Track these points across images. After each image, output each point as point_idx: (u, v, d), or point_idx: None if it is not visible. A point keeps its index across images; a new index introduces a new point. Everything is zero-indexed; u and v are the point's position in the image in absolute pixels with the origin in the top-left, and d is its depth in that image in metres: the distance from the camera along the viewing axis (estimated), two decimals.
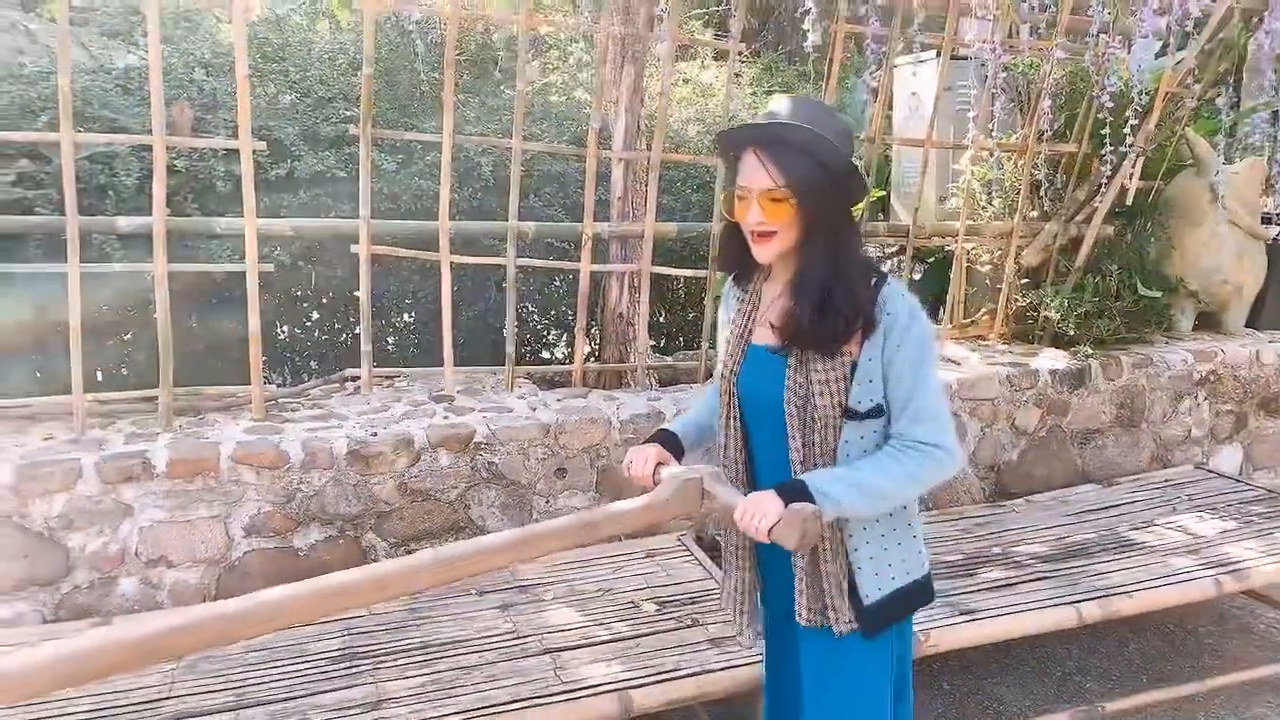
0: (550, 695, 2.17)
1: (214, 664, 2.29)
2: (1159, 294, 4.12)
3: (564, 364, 3.97)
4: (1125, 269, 4.12)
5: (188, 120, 3.40)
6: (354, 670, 2.27)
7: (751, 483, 1.73)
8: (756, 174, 1.57)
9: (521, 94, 3.19)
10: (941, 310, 4.32)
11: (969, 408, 3.63)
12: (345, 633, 2.44)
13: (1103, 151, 3.74)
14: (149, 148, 2.84)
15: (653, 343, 4.28)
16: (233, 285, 3.11)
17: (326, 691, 2.18)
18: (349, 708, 2.11)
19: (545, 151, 3.79)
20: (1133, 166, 3.94)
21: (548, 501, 3.07)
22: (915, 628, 2.46)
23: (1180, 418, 4.03)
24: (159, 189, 2.82)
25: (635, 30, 3.40)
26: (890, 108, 4.62)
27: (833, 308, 1.56)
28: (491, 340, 3.84)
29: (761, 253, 1.62)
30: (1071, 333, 3.93)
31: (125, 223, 2.93)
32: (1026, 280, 4.15)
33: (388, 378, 3.51)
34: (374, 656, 2.34)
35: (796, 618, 1.68)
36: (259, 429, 2.90)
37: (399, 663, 2.31)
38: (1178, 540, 3.10)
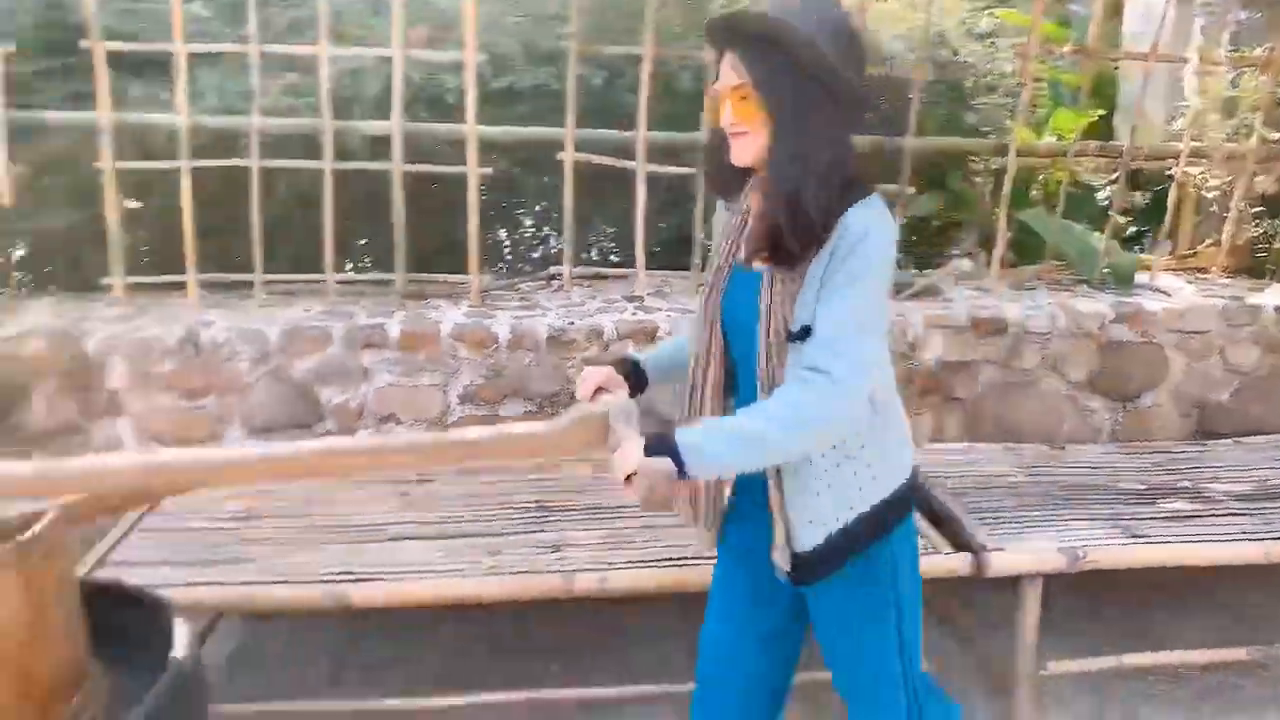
0: (710, 558, 2.39)
1: (430, 501, 2.71)
2: None
3: None
4: None
5: (422, 38, 3.79)
6: (543, 519, 2.61)
7: (729, 411, 1.57)
8: (726, 72, 1.46)
9: (721, 8, 3.29)
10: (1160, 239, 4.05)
11: (1174, 340, 3.45)
12: (539, 490, 2.79)
13: None
14: (390, 60, 3.23)
15: None
16: (457, 187, 3.48)
17: (520, 533, 2.53)
18: (537, 547, 2.45)
19: None
20: None
21: None
22: (1075, 543, 2.45)
23: None
24: (397, 98, 3.21)
25: None
26: (1120, 18, 4.31)
27: (800, 213, 1.40)
28: (686, 248, 4.04)
29: (734, 153, 1.48)
30: None
31: (369, 126, 3.36)
32: (1261, 209, 3.81)
33: (587, 279, 3.81)
34: (561, 510, 2.67)
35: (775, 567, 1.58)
36: (474, 313, 3.29)
37: (582, 518, 2.62)
38: None
